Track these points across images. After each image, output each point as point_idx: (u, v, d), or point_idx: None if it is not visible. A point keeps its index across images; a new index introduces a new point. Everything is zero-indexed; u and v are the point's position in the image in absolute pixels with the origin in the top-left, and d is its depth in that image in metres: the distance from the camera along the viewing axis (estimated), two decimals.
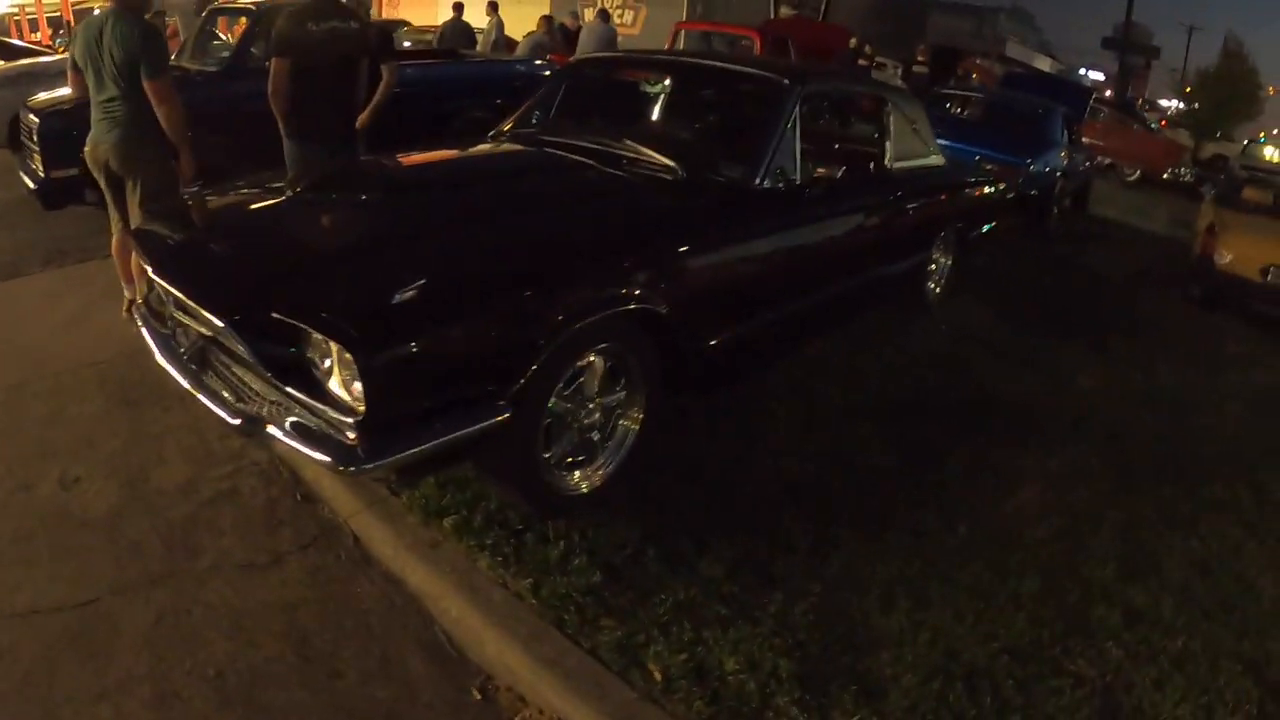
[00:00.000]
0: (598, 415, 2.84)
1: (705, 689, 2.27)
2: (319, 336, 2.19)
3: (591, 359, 2.72)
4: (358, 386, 2.13)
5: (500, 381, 2.37)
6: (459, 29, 11.39)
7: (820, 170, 3.71)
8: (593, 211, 3.06)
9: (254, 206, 3.22)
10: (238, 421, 2.40)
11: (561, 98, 4.37)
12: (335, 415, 2.21)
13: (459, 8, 11.68)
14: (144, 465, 3.13)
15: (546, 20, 11.38)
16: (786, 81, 3.68)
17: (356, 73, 4.37)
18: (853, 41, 13.64)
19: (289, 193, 3.29)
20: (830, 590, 2.72)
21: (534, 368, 2.40)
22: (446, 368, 2.29)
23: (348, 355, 2.10)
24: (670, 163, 3.37)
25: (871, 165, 4.42)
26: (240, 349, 2.36)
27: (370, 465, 2.17)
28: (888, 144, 4.44)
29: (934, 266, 5.36)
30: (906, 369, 4.59)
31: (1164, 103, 43.15)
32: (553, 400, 2.61)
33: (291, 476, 3.11)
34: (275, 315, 2.23)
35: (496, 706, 2.29)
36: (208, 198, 3.26)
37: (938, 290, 5.54)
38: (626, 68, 4.85)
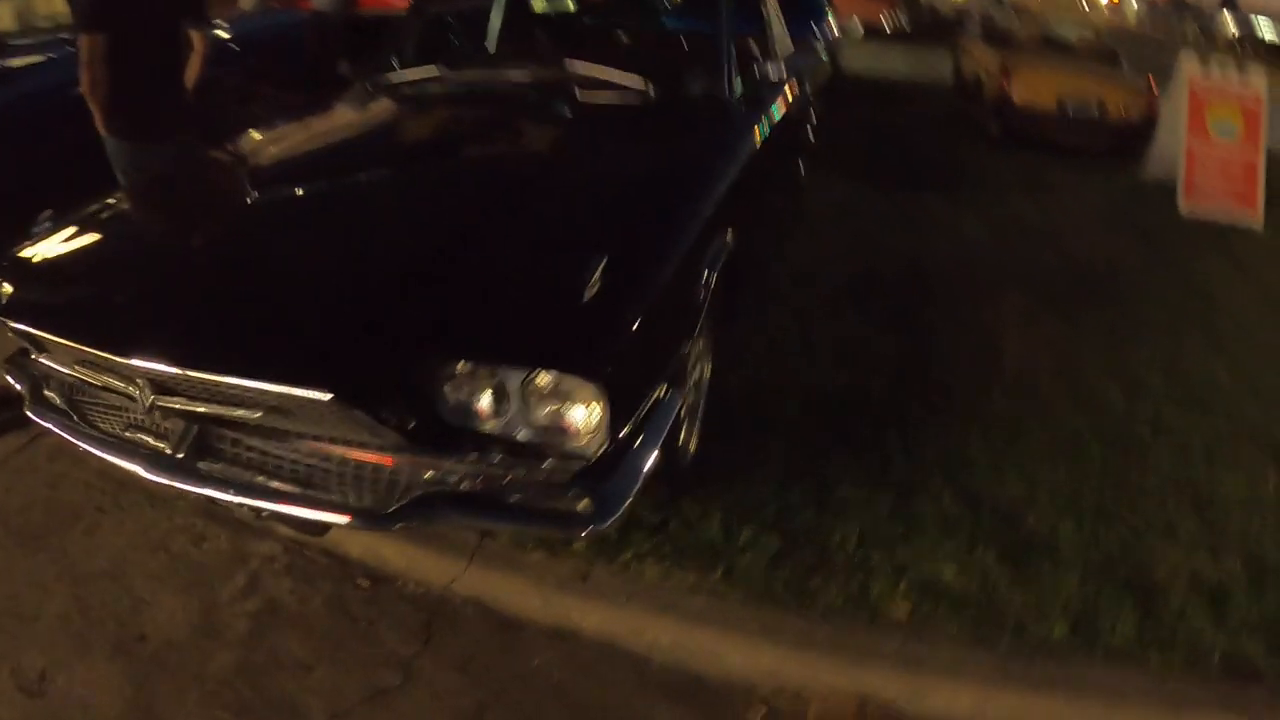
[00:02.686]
0: (696, 369, 2.61)
1: (947, 605, 2.23)
2: (485, 372, 1.69)
3: None
4: (577, 418, 1.68)
5: (662, 364, 2.04)
6: None
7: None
8: (646, 155, 2.63)
9: (190, 233, 2.28)
10: (346, 519, 1.78)
11: (442, 34, 3.82)
12: (545, 466, 1.73)
13: None
14: (119, 619, 2.16)
15: None
16: None
17: (181, 38, 3.53)
18: None
19: (221, 200, 2.51)
20: (949, 479, 2.77)
21: (692, 337, 2.13)
22: (645, 368, 1.92)
23: (581, 385, 1.65)
24: (638, 83, 3.06)
25: (767, 61, 4.31)
26: (346, 423, 1.73)
27: (614, 517, 1.73)
28: (773, 36, 4.34)
29: None
30: (829, 245, 4.75)
31: None
32: None
33: (329, 560, 2.38)
34: (462, 363, 1.67)
35: (790, 712, 2.00)
36: (84, 233, 2.26)
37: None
38: None
